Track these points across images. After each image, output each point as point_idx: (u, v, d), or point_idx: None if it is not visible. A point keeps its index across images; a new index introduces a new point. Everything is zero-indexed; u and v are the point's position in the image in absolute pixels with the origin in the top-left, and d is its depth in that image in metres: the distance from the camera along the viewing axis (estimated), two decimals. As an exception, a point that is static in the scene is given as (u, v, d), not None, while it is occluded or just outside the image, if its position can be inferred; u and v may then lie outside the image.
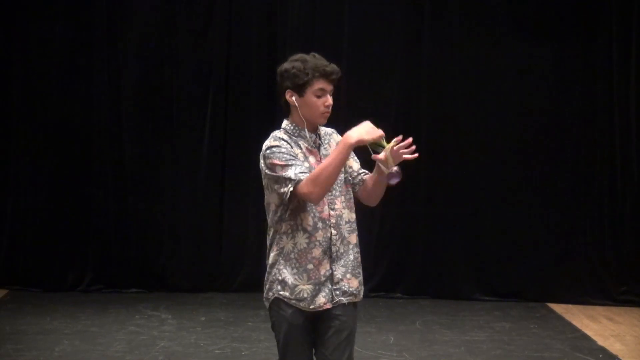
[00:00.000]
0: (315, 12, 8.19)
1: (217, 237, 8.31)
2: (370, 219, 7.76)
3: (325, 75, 3.60)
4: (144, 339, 6.64)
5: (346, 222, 3.67)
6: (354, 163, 3.75)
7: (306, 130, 3.65)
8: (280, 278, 3.63)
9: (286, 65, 3.67)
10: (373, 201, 3.74)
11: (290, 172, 3.49)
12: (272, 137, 3.64)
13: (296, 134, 3.66)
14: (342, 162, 3.48)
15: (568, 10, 8.11)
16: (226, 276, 8.31)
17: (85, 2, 8.15)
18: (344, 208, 3.66)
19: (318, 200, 3.51)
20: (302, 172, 3.50)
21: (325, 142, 3.72)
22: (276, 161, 3.53)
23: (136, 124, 8.22)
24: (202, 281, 8.29)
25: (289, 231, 3.61)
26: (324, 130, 3.76)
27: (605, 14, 8.08)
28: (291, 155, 3.55)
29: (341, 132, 3.64)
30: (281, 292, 3.62)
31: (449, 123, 8.23)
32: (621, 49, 8.07)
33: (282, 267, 3.63)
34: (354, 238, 3.69)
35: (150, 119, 8.26)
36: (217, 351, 6.35)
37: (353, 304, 3.70)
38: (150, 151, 8.27)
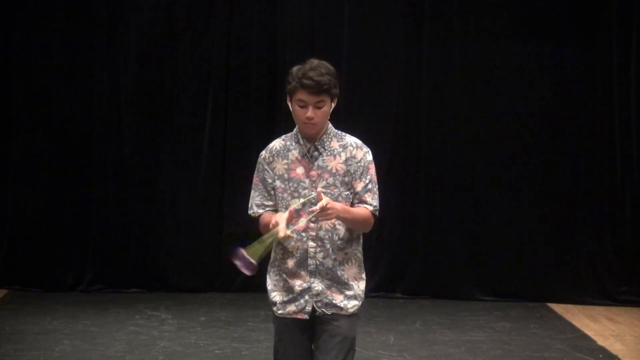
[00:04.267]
0: (315, 12, 8.19)
1: (217, 237, 8.31)
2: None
3: (302, 87, 3.52)
4: (144, 339, 6.64)
5: (339, 238, 3.63)
6: (359, 184, 3.64)
7: (299, 137, 3.67)
8: (267, 284, 3.79)
9: (294, 67, 3.62)
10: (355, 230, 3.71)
11: (252, 201, 3.71)
12: (267, 147, 3.74)
13: (295, 139, 3.68)
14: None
15: (568, 10, 8.11)
16: (226, 276, 8.29)
17: (85, 2, 8.15)
18: (337, 223, 3.61)
19: None
20: (259, 206, 3.69)
21: (330, 153, 3.64)
22: (254, 176, 3.73)
23: (136, 124, 8.22)
24: (202, 281, 8.29)
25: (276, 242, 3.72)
26: (344, 140, 3.68)
27: (605, 14, 8.08)
28: (262, 176, 3.68)
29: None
30: (269, 296, 3.79)
31: (449, 123, 8.22)
32: (621, 49, 8.07)
33: (269, 273, 3.78)
34: (343, 255, 3.65)
35: (150, 120, 8.25)
36: (217, 351, 6.35)
37: (349, 315, 3.69)
38: (150, 151, 8.26)
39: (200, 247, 8.29)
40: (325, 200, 3.43)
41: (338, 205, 3.49)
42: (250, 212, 3.73)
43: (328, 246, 3.63)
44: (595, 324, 7.42)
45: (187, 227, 8.28)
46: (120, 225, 8.21)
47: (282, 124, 7.99)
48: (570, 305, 8.00)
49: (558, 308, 7.93)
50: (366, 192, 3.64)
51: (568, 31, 8.11)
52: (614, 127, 8.11)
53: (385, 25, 8.19)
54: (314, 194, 3.54)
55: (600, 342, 6.79)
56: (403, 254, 8.26)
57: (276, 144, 3.72)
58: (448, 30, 8.17)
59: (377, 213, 3.69)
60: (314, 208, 3.44)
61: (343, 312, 3.67)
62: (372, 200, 3.66)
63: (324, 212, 3.43)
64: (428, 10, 8.17)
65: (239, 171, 8.14)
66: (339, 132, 3.71)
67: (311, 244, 3.62)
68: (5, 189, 8.22)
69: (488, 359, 6.32)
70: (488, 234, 8.23)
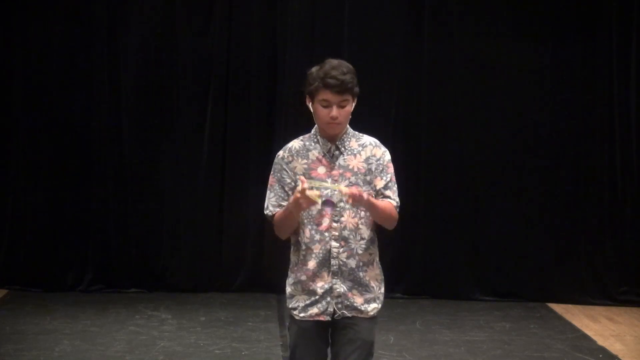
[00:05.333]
0: (315, 11, 8.19)
1: (217, 237, 8.31)
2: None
3: (326, 87, 3.51)
4: (144, 339, 6.64)
5: (361, 238, 3.61)
6: (380, 181, 3.64)
7: (319, 137, 3.65)
8: (287, 288, 3.73)
9: (312, 68, 3.62)
10: (382, 224, 3.69)
11: (268, 201, 3.67)
12: (285, 147, 3.71)
13: (315, 140, 3.66)
14: (289, 217, 3.53)
15: (568, 9, 8.11)
16: (226, 276, 8.31)
17: (85, 2, 8.15)
18: (359, 223, 3.61)
19: (283, 238, 3.72)
20: (275, 206, 3.64)
21: (350, 152, 3.63)
22: (270, 176, 3.69)
23: (136, 123, 8.22)
24: (202, 281, 8.29)
25: (295, 243, 3.70)
26: (362, 140, 3.67)
27: (605, 13, 8.08)
28: (279, 176, 3.65)
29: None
30: (288, 302, 3.73)
31: (449, 123, 8.23)
32: (621, 49, 8.07)
33: (288, 277, 3.73)
34: (366, 256, 3.64)
35: (150, 119, 8.25)
36: (217, 351, 6.35)
37: (369, 318, 3.67)
38: (150, 151, 8.27)
39: (200, 247, 8.29)
40: (348, 189, 3.43)
41: (364, 193, 3.47)
42: (266, 212, 3.67)
43: (353, 246, 3.60)
44: (595, 324, 7.42)
45: (187, 227, 8.28)
46: (120, 225, 8.21)
47: (282, 123, 8.02)
48: (570, 305, 8.00)
49: (558, 308, 7.93)
50: (387, 188, 3.65)
51: (568, 31, 8.11)
52: (614, 128, 8.11)
53: (385, 25, 8.19)
54: (330, 184, 3.53)
55: (600, 342, 6.79)
56: (403, 254, 8.25)
57: (295, 144, 3.69)
58: (448, 30, 8.17)
59: (398, 209, 3.69)
60: (342, 189, 3.45)
61: (363, 315, 3.65)
62: (395, 197, 3.67)
63: (354, 198, 3.41)
64: (428, 10, 8.17)
65: (239, 171, 8.16)
66: (356, 132, 3.71)
67: (334, 244, 3.59)
68: (5, 189, 8.22)
69: (488, 359, 6.32)
70: (488, 234, 8.23)
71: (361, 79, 8.66)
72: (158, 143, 8.27)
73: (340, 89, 3.50)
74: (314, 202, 3.42)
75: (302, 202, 3.41)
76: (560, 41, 8.11)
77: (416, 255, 8.25)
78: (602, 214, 8.17)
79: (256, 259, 8.14)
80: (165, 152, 8.28)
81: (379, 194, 3.64)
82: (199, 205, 8.26)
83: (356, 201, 3.44)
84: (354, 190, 3.44)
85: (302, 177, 3.48)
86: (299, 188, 3.40)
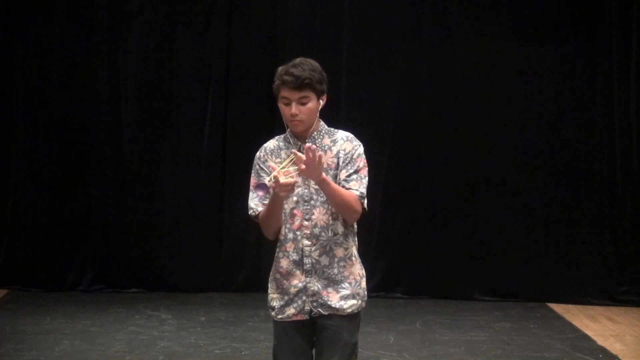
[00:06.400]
0: (315, 12, 8.19)
1: (217, 237, 8.31)
2: (371, 219, 7.76)
3: (284, 84, 3.52)
4: (144, 339, 6.64)
5: (335, 234, 3.58)
6: (343, 173, 3.56)
7: (289, 136, 3.65)
8: (268, 288, 3.75)
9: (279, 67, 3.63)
10: (340, 212, 3.57)
11: (250, 202, 3.64)
12: (262, 146, 3.71)
13: (287, 139, 3.66)
14: (274, 208, 3.49)
15: (568, 9, 8.11)
16: (226, 276, 8.31)
17: (85, 2, 8.15)
18: (331, 219, 3.57)
19: (270, 237, 3.64)
20: (258, 205, 3.61)
21: (321, 149, 3.56)
22: (251, 177, 3.68)
23: (136, 123, 8.23)
24: (202, 281, 8.29)
25: (277, 242, 3.70)
26: (335, 136, 3.62)
27: (606, 13, 8.08)
28: (258, 176, 3.64)
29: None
30: (268, 301, 3.76)
31: (449, 123, 8.23)
32: (621, 49, 8.07)
33: (269, 276, 3.74)
34: (341, 252, 3.60)
35: (150, 119, 8.26)
36: (217, 351, 6.35)
37: (348, 316, 3.64)
38: (150, 151, 8.27)
39: (200, 247, 8.30)
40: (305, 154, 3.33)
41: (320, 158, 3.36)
42: (250, 212, 3.65)
43: (325, 243, 3.58)
44: (595, 324, 7.42)
45: (187, 227, 8.29)
46: (120, 225, 8.22)
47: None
48: (570, 305, 8.00)
49: (558, 308, 7.93)
50: (350, 180, 3.54)
51: (568, 31, 8.11)
52: (614, 127, 8.11)
53: (385, 25, 8.19)
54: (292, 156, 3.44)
55: (600, 342, 6.78)
56: (403, 254, 8.25)
57: (270, 143, 3.71)
58: (448, 30, 8.17)
59: (363, 201, 3.57)
60: (299, 155, 3.34)
61: (340, 313, 3.62)
62: (359, 187, 3.54)
63: (308, 160, 3.30)
64: (428, 10, 8.17)
65: (239, 170, 8.12)
66: (332, 129, 3.66)
67: (306, 242, 3.58)
68: (5, 189, 8.23)
69: (488, 359, 6.32)
70: (488, 234, 8.22)
71: (361, 78, 8.69)
72: (158, 142, 8.27)
73: (296, 84, 3.49)
74: (291, 184, 3.35)
75: (279, 191, 3.37)
76: (561, 41, 8.12)
77: (416, 255, 8.25)
78: (602, 214, 8.17)
79: (256, 259, 8.14)
80: (165, 152, 8.28)
81: (340, 185, 3.54)
82: (199, 205, 8.27)
83: (309, 166, 3.31)
84: (309, 151, 3.30)
85: (272, 164, 3.45)
86: (270, 181, 3.37)
